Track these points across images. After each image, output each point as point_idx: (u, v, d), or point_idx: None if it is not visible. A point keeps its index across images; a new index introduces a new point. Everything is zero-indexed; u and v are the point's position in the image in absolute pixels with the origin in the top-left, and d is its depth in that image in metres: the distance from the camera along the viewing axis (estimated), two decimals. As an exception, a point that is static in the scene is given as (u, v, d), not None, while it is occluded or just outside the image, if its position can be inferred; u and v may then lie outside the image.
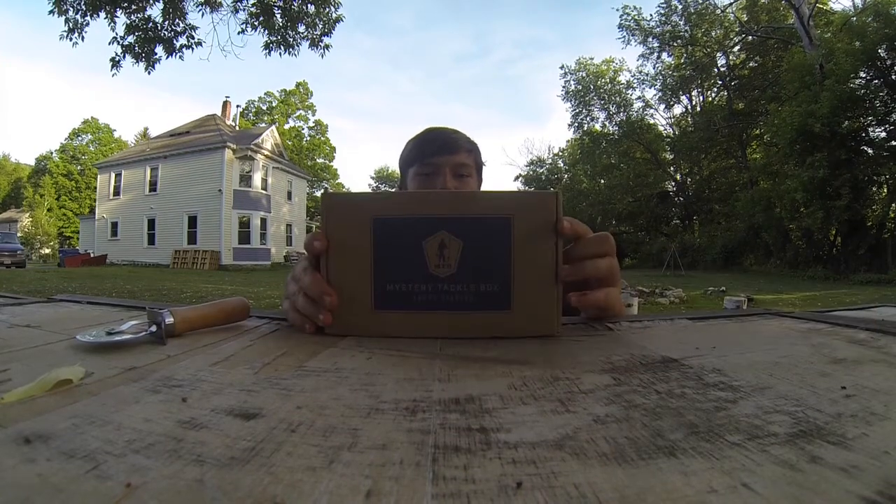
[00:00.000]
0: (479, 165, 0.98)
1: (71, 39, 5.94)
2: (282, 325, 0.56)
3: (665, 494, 0.18)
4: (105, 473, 0.19)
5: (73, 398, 0.29)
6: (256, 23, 6.38)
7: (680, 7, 18.74)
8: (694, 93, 21.44)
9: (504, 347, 0.43)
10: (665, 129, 23.10)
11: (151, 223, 18.94)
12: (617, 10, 20.33)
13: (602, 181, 23.42)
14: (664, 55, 20.68)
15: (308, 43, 6.57)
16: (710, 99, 21.07)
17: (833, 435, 0.24)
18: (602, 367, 0.38)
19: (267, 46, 6.51)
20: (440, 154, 0.91)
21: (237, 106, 23.75)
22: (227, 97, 23.29)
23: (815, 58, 11.87)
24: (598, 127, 23.68)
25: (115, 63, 6.12)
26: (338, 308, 0.45)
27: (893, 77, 10.99)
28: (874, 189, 12.47)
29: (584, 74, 23.83)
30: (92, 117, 37.69)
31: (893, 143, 11.45)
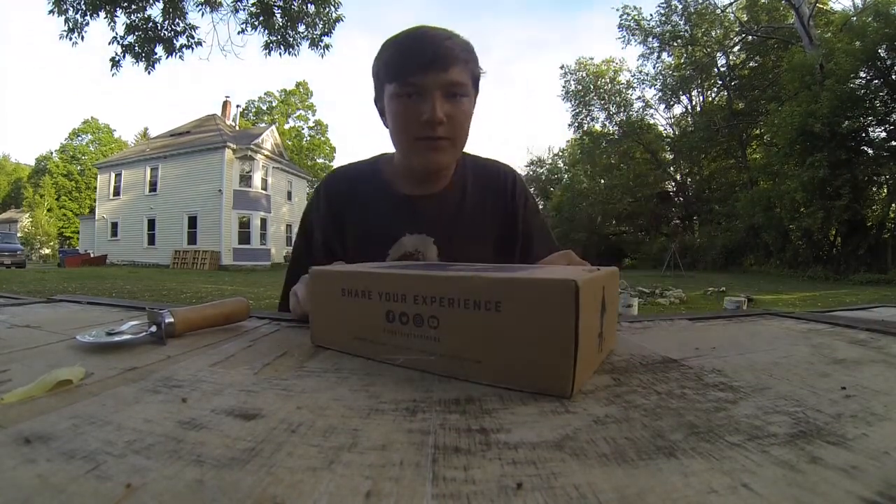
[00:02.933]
0: (475, 77, 0.78)
1: (71, 39, 5.94)
2: (282, 325, 0.56)
3: (665, 495, 0.18)
4: (105, 474, 0.19)
5: (73, 399, 0.29)
6: (256, 23, 6.38)
7: (680, 7, 18.75)
8: (694, 93, 21.44)
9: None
10: (665, 129, 23.11)
11: (151, 223, 18.95)
12: (617, 10, 20.36)
13: (602, 181, 23.42)
14: (664, 55, 20.69)
15: (308, 43, 6.57)
16: (710, 99, 21.07)
17: (833, 435, 0.24)
18: (602, 367, 0.38)
19: (267, 46, 6.51)
20: (427, 71, 0.70)
21: (237, 106, 23.76)
22: (227, 97, 23.22)
23: (815, 58, 11.87)
24: (598, 127, 23.69)
25: (115, 63, 6.12)
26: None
27: (893, 77, 10.99)
28: (874, 189, 12.48)
29: (584, 74, 23.84)
30: (92, 117, 37.74)
31: (893, 143, 11.45)
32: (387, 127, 0.80)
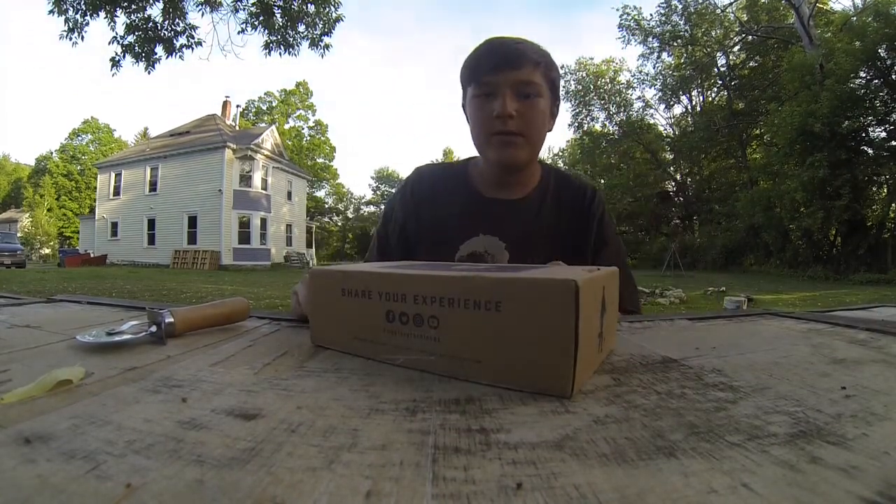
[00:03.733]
0: (552, 81, 0.82)
1: (71, 39, 5.95)
2: (282, 325, 0.56)
3: (665, 495, 0.18)
4: (105, 474, 0.19)
5: (74, 398, 0.29)
6: (256, 23, 6.38)
7: (680, 7, 18.75)
8: (694, 93, 21.45)
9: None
10: (665, 129, 23.12)
11: (151, 223, 18.95)
12: (617, 10, 20.37)
13: (602, 181, 23.42)
14: (664, 55, 20.70)
15: (308, 43, 6.57)
16: (710, 99, 21.07)
17: (833, 435, 0.24)
18: (602, 367, 0.38)
19: (267, 46, 6.51)
20: (498, 70, 0.76)
21: (237, 106, 23.73)
22: (227, 97, 23.20)
23: (815, 58, 11.87)
24: (598, 127, 23.71)
25: (115, 63, 6.12)
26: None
27: (893, 77, 10.99)
28: (874, 189, 12.48)
29: (584, 74, 23.86)
30: (92, 117, 37.73)
31: (893, 143, 11.45)
32: (470, 130, 0.85)
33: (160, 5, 6.04)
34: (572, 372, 0.29)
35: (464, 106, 0.87)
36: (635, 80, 22.48)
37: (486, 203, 0.87)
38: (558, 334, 0.30)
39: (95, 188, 22.10)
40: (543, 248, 0.84)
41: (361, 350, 0.40)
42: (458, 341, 0.34)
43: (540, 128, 0.81)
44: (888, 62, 10.98)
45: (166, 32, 6.14)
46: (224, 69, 24.14)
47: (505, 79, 0.76)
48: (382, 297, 0.38)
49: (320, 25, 6.50)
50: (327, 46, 6.61)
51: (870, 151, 11.82)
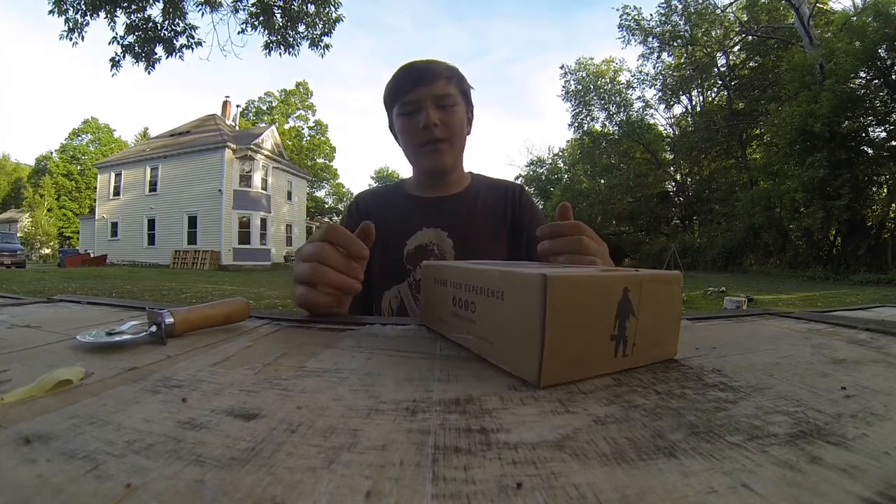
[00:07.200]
0: (464, 91, 0.93)
1: (71, 39, 5.95)
2: (282, 325, 0.56)
3: (665, 495, 0.18)
4: (105, 474, 0.19)
5: (74, 398, 0.29)
6: (256, 23, 6.39)
7: (680, 7, 18.75)
8: (694, 93, 21.43)
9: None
10: (665, 129, 23.11)
11: (151, 223, 18.95)
12: (617, 10, 20.37)
13: (602, 181, 23.43)
14: (664, 55, 20.70)
15: (308, 43, 6.58)
16: (710, 99, 21.06)
17: (833, 435, 0.24)
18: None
19: (267, 46, 6.52)
20: (417, 87, 0.86)
21: (237, 106, 23.72)
22: (227, 97, 23.19)
23: (815, 58, 11.88)
24: (598, 127, 23.70)
25: (115, 63, 6.12)
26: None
27: (893, 77, 10.99)
28: (874, 189, 12.47)
29: (584, 74, 23.86)
30: (92, 117, 37.71)
31: (893, 143, 11.45)
32: (400, 147, 0.95)
33: (160, 5, 6.05)
34: (538, 362, 0.31)
35: (391, 127, 0.97)
36: (635, 80, 22.50)
37: (424, 202, 0.96)
38: (529, 326, 0.32)
39: (95, 188, 22.10)
40: (484, 236, 0.94)
41: (440, 328, 0.48)
42: (484, 325, 0.39)
43: (460, 132, 0.91)
44: (888, 62, 10.98)
45: (166, 32, 6.15)
46: (224, 69, 24.18)
47: (424, 94, 0.86)
48: (450, 285, 0.46)
49: (320, 25, 6.51)
50: (327, 46, 6.62)
51: (870, 151, 11.82)
